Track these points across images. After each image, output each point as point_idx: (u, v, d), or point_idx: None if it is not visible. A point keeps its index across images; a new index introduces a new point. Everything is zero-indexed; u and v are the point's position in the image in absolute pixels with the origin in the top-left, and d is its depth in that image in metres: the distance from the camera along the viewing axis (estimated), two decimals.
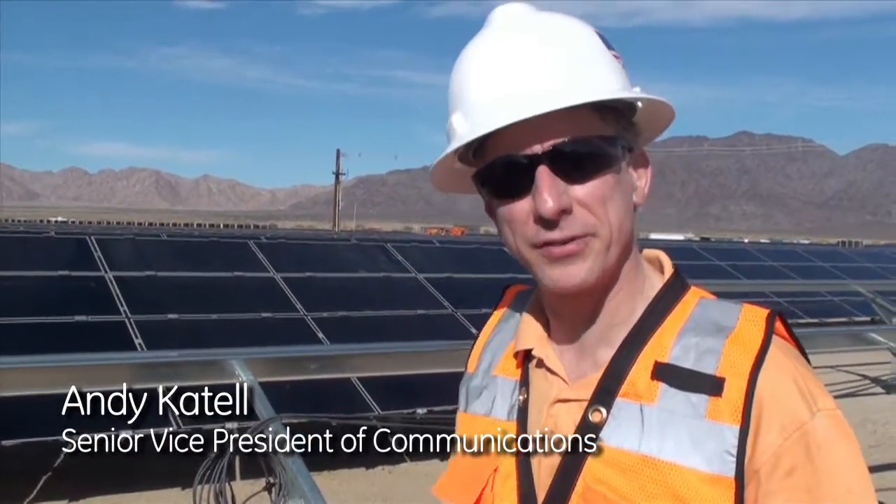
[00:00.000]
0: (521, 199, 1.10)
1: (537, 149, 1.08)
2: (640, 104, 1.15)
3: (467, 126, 1.12)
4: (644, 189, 1.19)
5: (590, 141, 1.09)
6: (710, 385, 1.06)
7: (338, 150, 79.95)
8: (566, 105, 1.05)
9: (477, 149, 1.14)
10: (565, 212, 1.07)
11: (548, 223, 1.07)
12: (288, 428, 3.58)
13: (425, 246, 13.71)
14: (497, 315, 1.39)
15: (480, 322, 1.43)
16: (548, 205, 1.06)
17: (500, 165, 1.11)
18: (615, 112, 1.12)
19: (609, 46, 1.15)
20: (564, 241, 1.08)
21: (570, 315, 1.19)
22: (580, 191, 1.08)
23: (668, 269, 1.22)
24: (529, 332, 1.26)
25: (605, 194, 1.09)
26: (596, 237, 1.09)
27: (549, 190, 1.06)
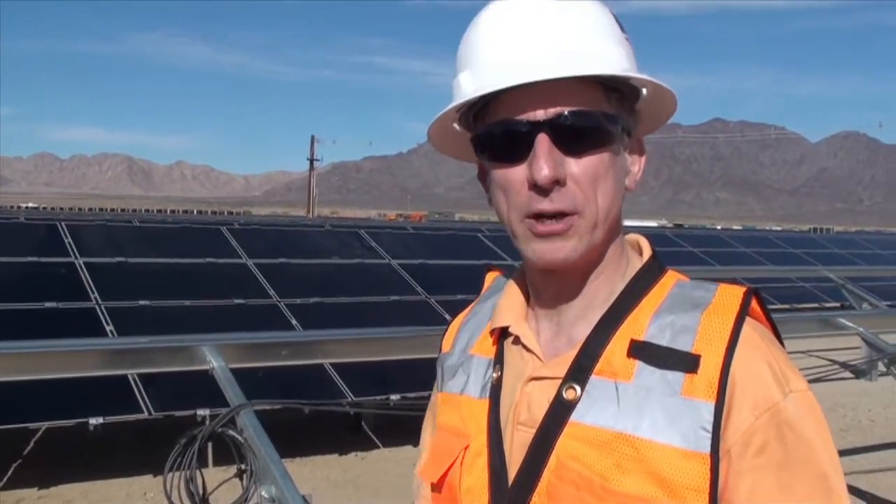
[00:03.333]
0: (518, 166, 1.10)
1: (540, 115, 1.08)
2: (645, 91, 1.15)
3: (473, 85, 1.12)
4: (637, 175, 1.20)
5: (592, 115, 1.09)
6: (686, 362, 1.06)
7: (312, 137, 79.81)
8: (574, 74, 1.06)
9: (478, 113, 1.15)
10: (559, 182, 1.08)
11: (541, 191, 1.08)
12: (259, 414, 3.56)
13: (399, 232, 13.68)
14: (477, 298, 1.40)
15: (453, 308, 1.43)
16: (543, 172, 1.06)
17: (500, 129, 1.11)
18: (620, 94, 1.12)
19: (623, 29, 1.15)
20: (553, 215, 1.08)
21: (551, 292, 1.19)
22: (575, 166, 1.09)
23: (647, 252, 1.23)
24: (507, 310, 1.26)
25: (598, 173, 1.10)
26: (581, 217, 1.09)
27: (545, 157, 1.07)
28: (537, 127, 1.08)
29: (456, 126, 1.20)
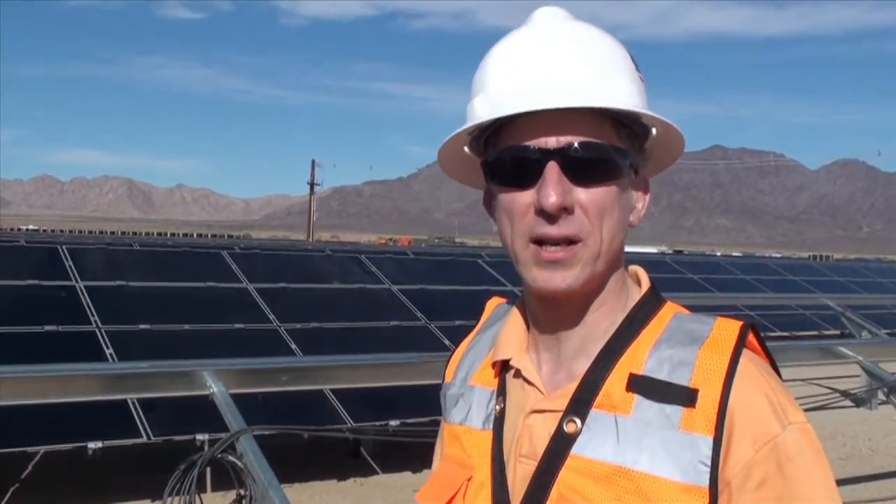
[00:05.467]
0: (525, 191, 1.11)
1: (552, 143, 1.09)
2: (654, 131, 1.16)
3: (487, 108, 1.14)
4: (641, 213, 1.22)
5: (602, 147, 1.10)
6: (684, 396, 1.07)
7: (313, 161, 79.83)
8: (588, 105, 1.08)
9: (489, 138, 1.17)
10: (566, 210, 1.09)
11: (548, 217, 1.09)
12: (259, 439, 3.56)
13: (399, 257, 13.68)
14: (477, 327, 1.40)
15: (453, 334, 1.43)
16: (551, 199, 1.08)
17: (511, 154, 1.13)
18: (630, 131, 1.14)
19: (637, 68, 1.17)
20: (558, 241, 1.10)
21: (551, 321, 1.20)
22: (583, 194, 1.10)
23: (645, 284, 1.24)
24: (508, 342, 1.27)
25: (605, 204, 1.11)
26: (585, 246, 1.11)
27: (554, 185, 1.08)
28: (548, 155, 1.09)
29: (466, 150, 1.21)
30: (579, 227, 1.10)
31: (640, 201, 1.22)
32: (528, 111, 1.08)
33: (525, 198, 1.11)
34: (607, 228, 1.12)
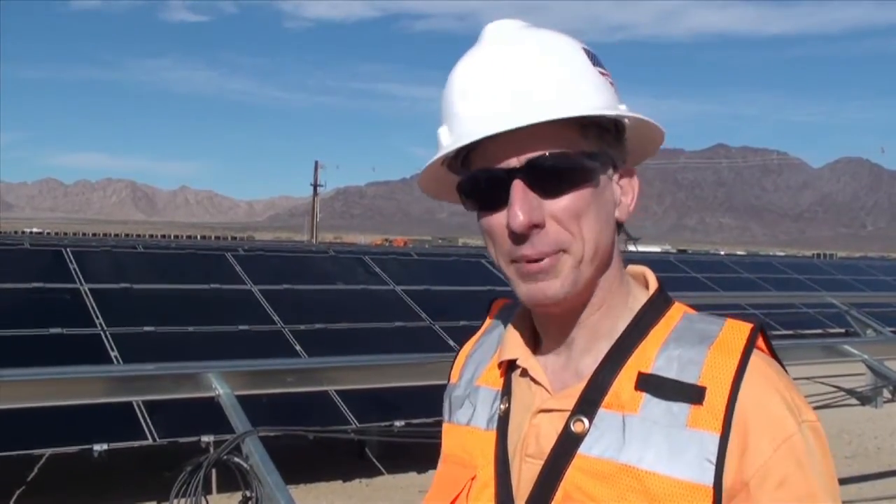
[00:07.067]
0: (499, 212, 1.12)
1: (514, 162, 1.10)
2: (627, 122, 1.16)
3: (451, 138, 1.15)
4: (630, 206, 1.20)
5: (566, 156, 1.10)
6: (692, 394, 1.07)
7: (316, 162, 79.97)
8: (543, 119, 1.07)
9: (464, 159, 1.17)
10: (537, 226, 1.09)
11: (518, 238, 1.09)
12: (264, 440, 3.57)
13: (403, 258, 13.69)
14: (483, 328, 1.41)
15: (458, 334, 1.43)
16: (518, 219, 1.08)
17: (479, 178, 1.14)
18: (598, 128, 1.13)
19: (596, 63, 1.16)
20: (536, 258, 1.10)
21: (554, 328, 1.20)
22: (554, 206, 1.10)
23: (653, 285, 1.24)
24: (514, 342, 1.27)
25: (579, 209, 1.11)
26: (568, 253, 1.11)
27: (520, 204, 1.08)
28: (512, 174, 1.09)
29: (446, 168, 1.21)
30: (555, 239, 1.10)
31: (628, 194, 1.20)
32: (488, 135, 1.08)
33: (500, 219, 1.12)
34: (588, 231, 1.11)
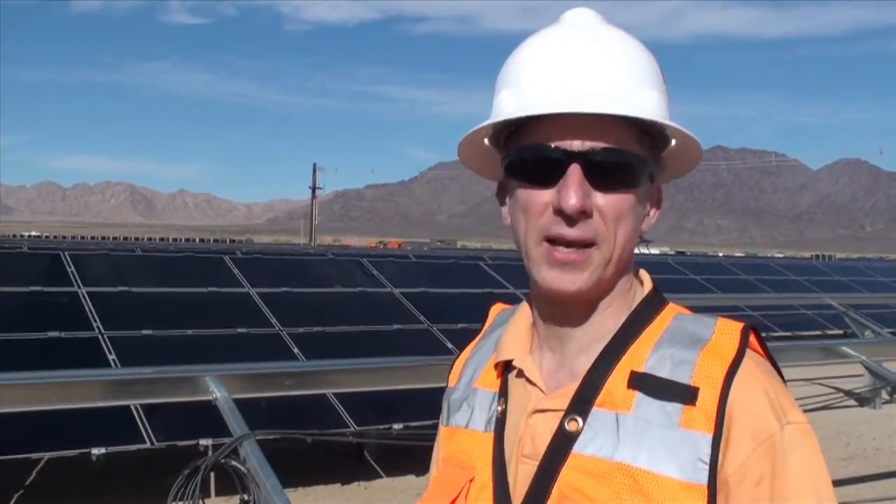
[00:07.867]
0: (545, 190, 1.12)
1: (576, 146, 1.10)
2: (674, 142, 1.17)
3: (515, 105, 1.14)
4: (652, 220, 1.23)
5: (625, 154, 1.11)
6: (685, 394, 1.08)
7: (314, 165, 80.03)
8: (617, 112, 1.08)
9: (511, 133, 1.17)
10: (585, 213, 1.10)
11: (566, 218, 1.10)
12: (262, 444, 3.56)
13: (401, 260, 13.68)
14: (481, 332, 1.41)
15: (456, 337, 1.43)
16: (571, 201, 1.09)
17: (534, 153, 1.13)
18: (651, 140, 1.15)
19: (664, 79, 1.18)
20: (573, 243, 1.11)
21: (558, 321, 1.21)
22: (602, 199, 1.11)
23: (648, 285, 1.25)
24: (511, 343, 1.27)
25: (622, 210, 1.12)
26: (599, 250, 1.12)
27: (576, 188, 1.09)
28: (572, 157, 1.10)
29: (486, 142, 1.22)
30: (595, 231, 1.11)
31: (652, 210, 1.23)
32: (557, 113, 1.08)
33: (544, 196, 1.12)
34: (622, 234, 1.13)
